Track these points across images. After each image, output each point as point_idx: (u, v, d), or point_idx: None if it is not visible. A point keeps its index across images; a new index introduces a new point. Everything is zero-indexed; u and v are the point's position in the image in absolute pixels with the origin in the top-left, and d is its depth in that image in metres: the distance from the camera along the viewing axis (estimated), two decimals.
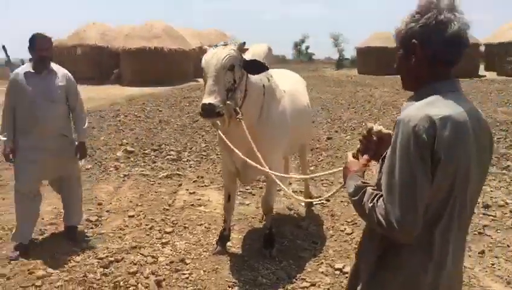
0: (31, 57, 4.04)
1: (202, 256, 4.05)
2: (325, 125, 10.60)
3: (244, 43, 3.35)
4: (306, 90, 4.73)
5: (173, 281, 3.60)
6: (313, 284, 3.61)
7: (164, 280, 3.60)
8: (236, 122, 3.27)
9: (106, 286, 3.50)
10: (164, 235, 4.46)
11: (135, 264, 3.86)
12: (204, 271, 3.76)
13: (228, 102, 3.15)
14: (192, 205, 5.41)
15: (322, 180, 6.20)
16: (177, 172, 6.74)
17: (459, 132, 1.46)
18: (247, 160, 3.11)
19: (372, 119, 11.01)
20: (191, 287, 3.51)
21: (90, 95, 14.64)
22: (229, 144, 3.27)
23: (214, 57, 3.15)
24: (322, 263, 3.96)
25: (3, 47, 18.81)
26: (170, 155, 7.65)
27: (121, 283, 3.53)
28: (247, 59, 3.33)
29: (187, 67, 22.11)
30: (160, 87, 19.01)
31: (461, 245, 1.64)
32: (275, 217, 4.82)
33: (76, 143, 4.23)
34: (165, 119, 11.25)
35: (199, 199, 5.61)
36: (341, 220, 4.89)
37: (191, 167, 7.08)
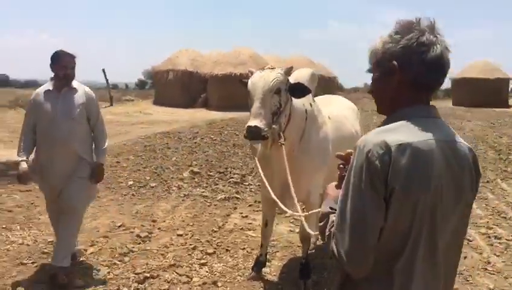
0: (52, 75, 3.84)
1: (236, 280, 4.00)
2: None
3: (292, 67, 3.34)
4: (357, 117, 4.55)
5: None
6: None
7: None
8: (277, 147, 3.25)
9: None
10: (204, 256, 4.47)
11: (168, 282, 3.90)
12: None
13: (274, 126, 3.15)
14: (241, 228, 5.38)
15: None
16: (236, 195, 6.78)
17: (421, 161, 1.30)
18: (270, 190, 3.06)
19: None
20: None
21: (174, 117, 15.39)
22: (262, 176, 3.32)
23: (261, 80, 3.15)
24: None
25: (103, 70, 20.45)
26: (233, 178, 7.71)
27: None
28: (292, 83, 3.31)
29: None
30: (243, 112, 19.43)
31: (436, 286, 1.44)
32: (319, 247, 4.65)
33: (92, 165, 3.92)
34: (239, 143, 11.42)
35: (250, 223, 5.57)
36: None
37: (251, 191, 7.09)
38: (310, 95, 3.56)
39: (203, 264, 4.28)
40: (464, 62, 33.15)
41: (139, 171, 8.04)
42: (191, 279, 3.98)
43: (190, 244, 4.77)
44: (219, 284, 3.89)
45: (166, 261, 4.33)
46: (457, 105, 26.90)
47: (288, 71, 3.30)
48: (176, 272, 4.08)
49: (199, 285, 3.87)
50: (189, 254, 4.53)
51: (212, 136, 12.41)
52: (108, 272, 4.06)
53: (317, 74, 4.05)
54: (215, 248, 4.70)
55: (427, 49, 1.39)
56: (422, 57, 1.39)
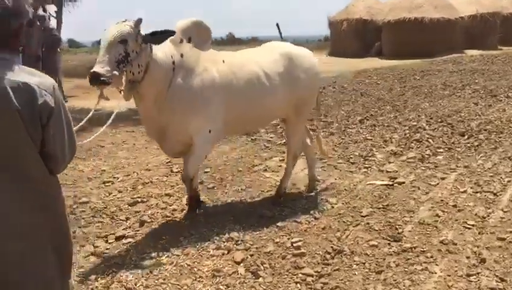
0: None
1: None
2: None
3: (140, 19, 3.56)
4: (285, 61, 4.37)
5: None
6: None
7: None
8: (140, 95, 3.74)
9: None
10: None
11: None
12: None
13: (115, 72, 3.40)
14: (265, 170, 5.80)
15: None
16: None
17: None
18: None
19: None
20: None
21: (335, 68, 15.47)
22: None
23: (108, 31, 3.47)
24: None
25: (277, 25, 21.63)
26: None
27: None
28: (146, 34, 3.59)
29: (452, 37, 20.30)
30: (416, 60, 18.25)
31: None
32: None
33: None
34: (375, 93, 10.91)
35: (280, 166, 5.91)
36: None
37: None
38: (186, 45, 3.86)
39: None
40: None
41: None
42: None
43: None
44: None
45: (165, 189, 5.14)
46: None
47: (138, 23, 3.54)
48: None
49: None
50: None
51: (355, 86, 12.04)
52: None
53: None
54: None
55: None
56: None
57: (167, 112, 3.85)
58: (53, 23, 12.63)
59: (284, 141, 7.11)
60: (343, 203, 4.59)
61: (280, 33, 23.43)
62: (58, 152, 1.92)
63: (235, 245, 3.83)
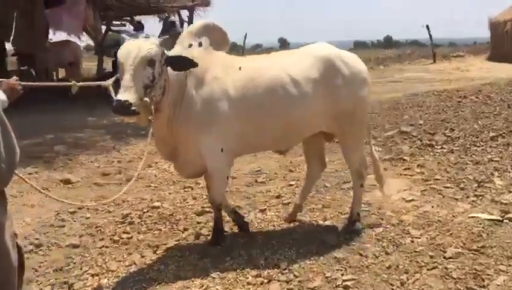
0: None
1: None
2: None
3: (168, 37, 3.25)
4: (319, 66, 3.68)
5: None
6: None
7: None
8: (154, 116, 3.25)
9: None
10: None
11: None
12: None
13: (146, 98, 3.03)
14: None
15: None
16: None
17: None
18: None
19: None
20: None
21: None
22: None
23: (134, 50, 3.02)
24: None
25: (427, 27, 20.55)
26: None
27: None
28: (171, 55, 3.24)
29: None
30: None
31: None
32: None
33: None
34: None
35: None
36: None
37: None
38: (196, 50, 3.44)
39: None
40: None
41: None
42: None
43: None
44: None
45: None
46: None
47: (165, 42, 3.17)
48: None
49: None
50: None
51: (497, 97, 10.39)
52: None
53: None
54: None
55: None
56: None
57: (178, 128, 3.46)
58: (185, 28, 13.32)
59: (392, 155, 6.40)
60: (427, 238, 3.79)
61: (430, 36, 21.69)
62: None
63: (278, 274, 3.38)
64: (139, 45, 3.06)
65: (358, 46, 49.78)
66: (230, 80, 3.50)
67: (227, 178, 3.85)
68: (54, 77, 13.50)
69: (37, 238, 4.13)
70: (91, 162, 6.72)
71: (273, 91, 3.53)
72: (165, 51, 3.21)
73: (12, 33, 10.52)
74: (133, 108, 2.94)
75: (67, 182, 5.80)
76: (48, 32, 11.40)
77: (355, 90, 3.75)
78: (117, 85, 3.07)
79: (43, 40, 11.16)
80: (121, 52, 3.05)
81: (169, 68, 3.25)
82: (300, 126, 3.73)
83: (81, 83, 3.02)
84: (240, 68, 3.57)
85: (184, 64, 3.24)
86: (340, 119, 3.75)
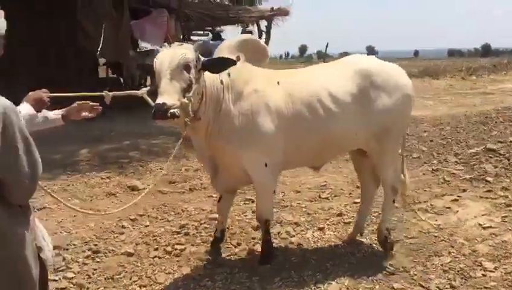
0: None
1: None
2: None
3: (203, 42, 3.15)
4: (358, 78, 3.51)
5: None
6: None
7: None
8: (193, 125, 3.17)
9: None
10: None
11: None
12: None
13: (184, 99, 2.94)
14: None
15: None
16: None
17: None
18: None
19: None
20: None
21: None
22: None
23: (168, 57, 3.01)
24: None
25: None
26: None
27: None
28: (205, 59, 3.13)
29: None
30: None
31: None
32: None
33: None
34: None
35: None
36: None
37: None
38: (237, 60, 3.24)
39: None
40: None
41: None
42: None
43: None
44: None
45: None
46: None
47: (198, 48, 3.06)
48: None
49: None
50: None
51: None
52: None
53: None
54: None
55: None
56: None
57: (216, 142, 3.37)
58: (263, 38, 13.33)
59: (473, 175, 5.84)
60: (501, 273, 3.36)
61: None
62: (9, 177, 1.76)
63: None
64: (173, 51, 3.06)
65: (452, 55, 47.29)
66: (268, 93, 3.42)
67: (274, 192, 3.74)
68: (141, 84, 14.13)
69: (95, 244, 4.22)
70: (160, 169, 6.83)
71: (310, 106, 3.44)
72: (200, 56, 3.14)
73: (101, 44, 11.12)
74: (172, 110, 2.85)
75: (134, 188, 5.93)
76: (131, 42, 11.95)
77: (397, 106, 3.55)
78: (152, 97, 3.04)
79: (127, 49, 11.69)
80: (156, 61, 3.04)
81: (206, 79, 3.22)
82: (340, 142, 3.64)
83: (113, 93, 3.01)
84: (278, 83, 3.49)
85: (222, 64, 3.17)
86: (379, 135, 3.57)
